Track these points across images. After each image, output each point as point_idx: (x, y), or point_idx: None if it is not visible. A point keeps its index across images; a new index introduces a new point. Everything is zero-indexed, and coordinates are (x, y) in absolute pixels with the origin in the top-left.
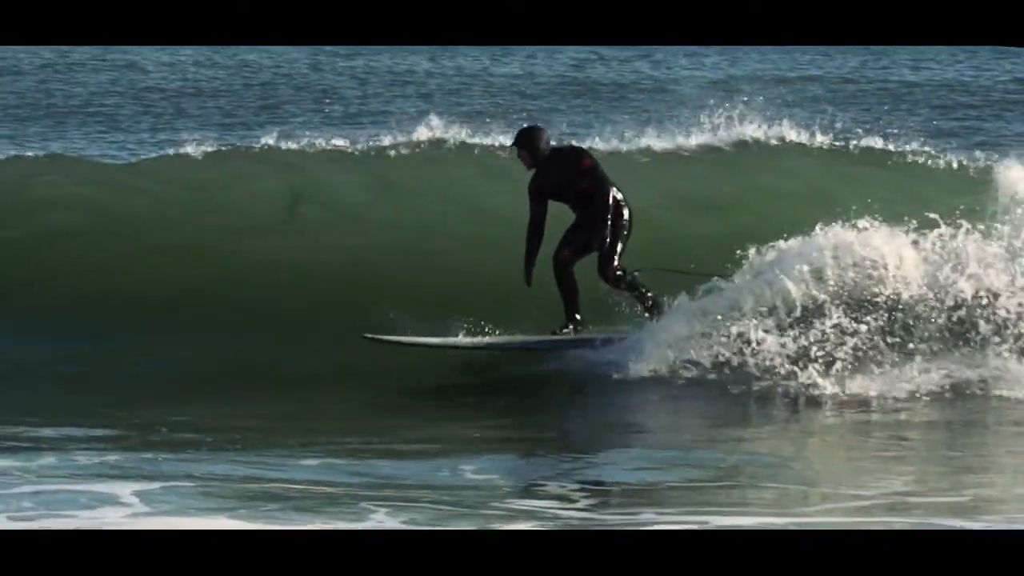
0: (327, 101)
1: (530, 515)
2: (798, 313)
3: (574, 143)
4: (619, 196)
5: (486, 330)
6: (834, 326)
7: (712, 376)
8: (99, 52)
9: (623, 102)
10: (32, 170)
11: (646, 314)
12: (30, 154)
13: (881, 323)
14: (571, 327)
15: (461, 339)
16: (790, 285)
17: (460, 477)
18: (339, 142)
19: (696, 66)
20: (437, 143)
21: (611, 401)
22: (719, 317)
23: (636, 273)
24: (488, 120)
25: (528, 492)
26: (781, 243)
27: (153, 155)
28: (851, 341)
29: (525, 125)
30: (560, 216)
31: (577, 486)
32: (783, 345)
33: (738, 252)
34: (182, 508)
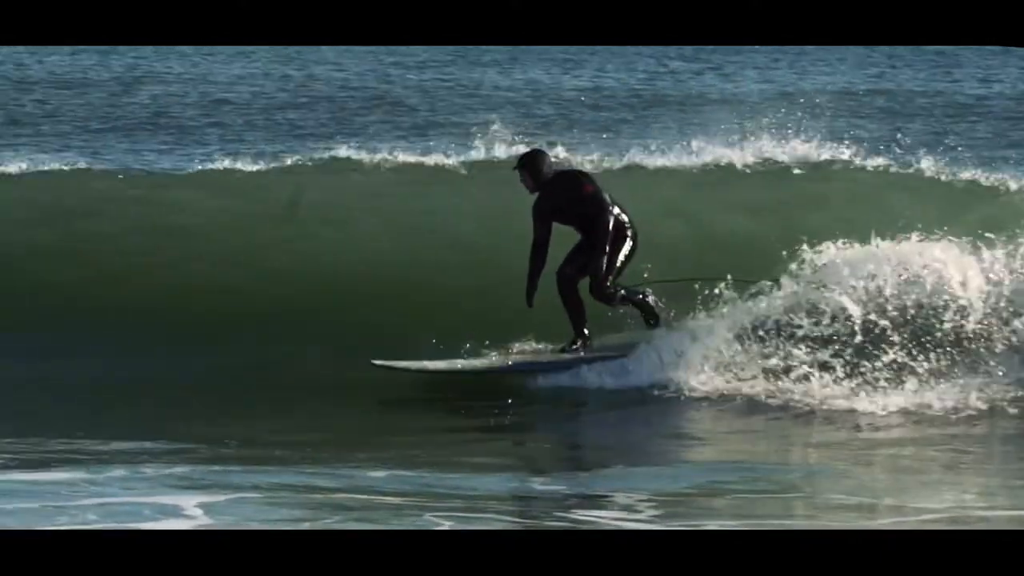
0: (397, 114)
1: (595, 526)
2: (859, 334)
3: (576, 167)
4: (624, 218)
5: (492, 355)
6: (893, 359)
7: (767, 388)
8: (168, 64)
9: (691, 114)
10: (96, 180)
11: (651, 323)
12: (101, 167)
13: (943, 336)
14: (579, 343)
15: (469, 362)
16: (845, 300)
17: (527, 488)
18: (404, 154)
19: (766, 79)
20: (502, 155)
21: (671, 413)
22: (765, 335)
23: (640, 286)
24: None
25: (593, 503)
26: (833, 249)
27: (217, 166)
28: (917, 371)
29: (531, 147)
30: (563, 233)
31: (643, 496)
32: (837, 377)
33: (784, 253)
34: (244, 520)
